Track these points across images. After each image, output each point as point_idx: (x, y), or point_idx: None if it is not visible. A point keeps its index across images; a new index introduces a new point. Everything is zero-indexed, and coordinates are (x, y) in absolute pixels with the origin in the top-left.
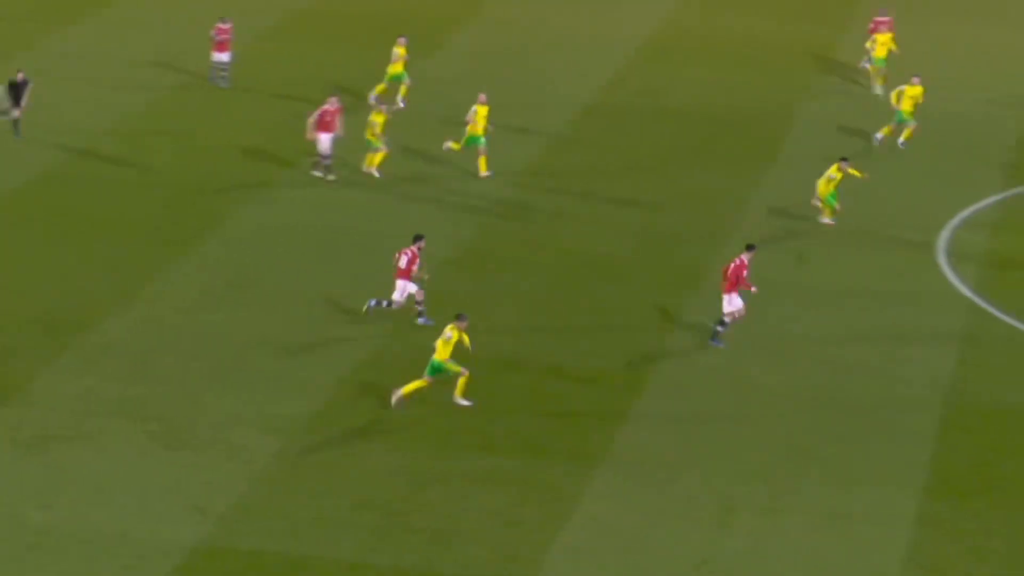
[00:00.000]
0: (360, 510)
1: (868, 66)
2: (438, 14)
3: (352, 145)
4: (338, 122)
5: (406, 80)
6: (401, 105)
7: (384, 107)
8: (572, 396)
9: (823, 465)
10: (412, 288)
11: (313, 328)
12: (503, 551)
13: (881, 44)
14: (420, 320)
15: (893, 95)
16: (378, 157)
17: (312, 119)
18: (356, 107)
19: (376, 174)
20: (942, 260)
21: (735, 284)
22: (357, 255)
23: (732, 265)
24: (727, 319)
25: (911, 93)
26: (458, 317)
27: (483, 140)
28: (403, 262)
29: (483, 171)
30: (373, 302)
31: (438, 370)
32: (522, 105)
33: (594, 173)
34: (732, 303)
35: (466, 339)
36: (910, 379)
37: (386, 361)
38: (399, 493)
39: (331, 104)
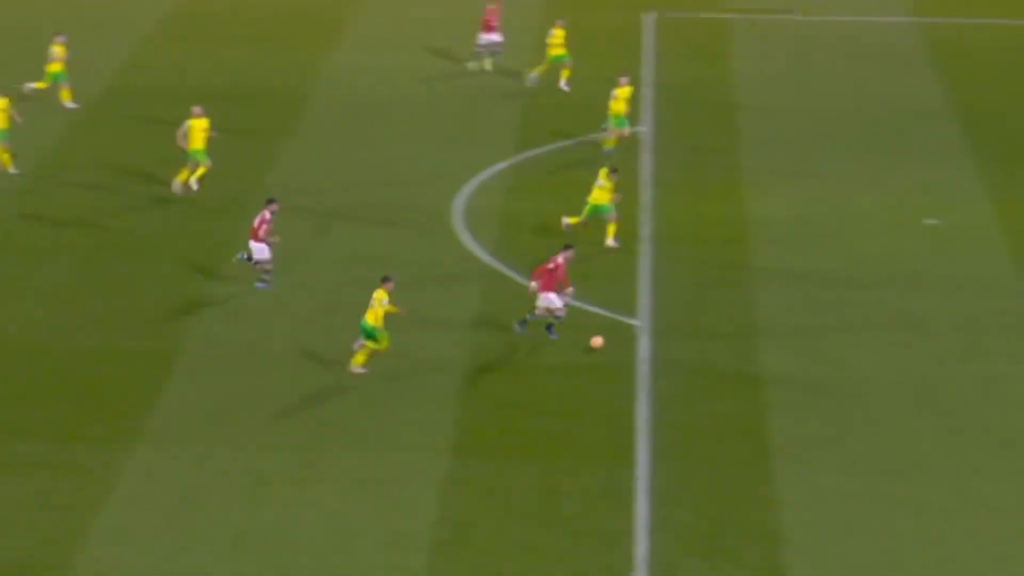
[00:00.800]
0: None
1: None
2: None
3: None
4: None
5: (63, 82)
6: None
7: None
8: (103, 378)
9: (351, 432)
10: (266, 251)
11: None
12: (40, 537)
13: (557, 44)
14: (259, 285)
15: (612, 102)
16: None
17: None
18: None
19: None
20: (458, 225)
21: (551, 283)
22: None
23: (548, 265)
24: (538, 313)
25: (623, 95)
26: (384, 280)
27: (204, 155)
28: (257, 223)
29: (182, 181)
30: (243, 255)
31: (368, 333)
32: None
33: (117, 154)
34: (547, 300)
35: (384, 301)
36: (432, 344)
37: None
38: None
39: None
